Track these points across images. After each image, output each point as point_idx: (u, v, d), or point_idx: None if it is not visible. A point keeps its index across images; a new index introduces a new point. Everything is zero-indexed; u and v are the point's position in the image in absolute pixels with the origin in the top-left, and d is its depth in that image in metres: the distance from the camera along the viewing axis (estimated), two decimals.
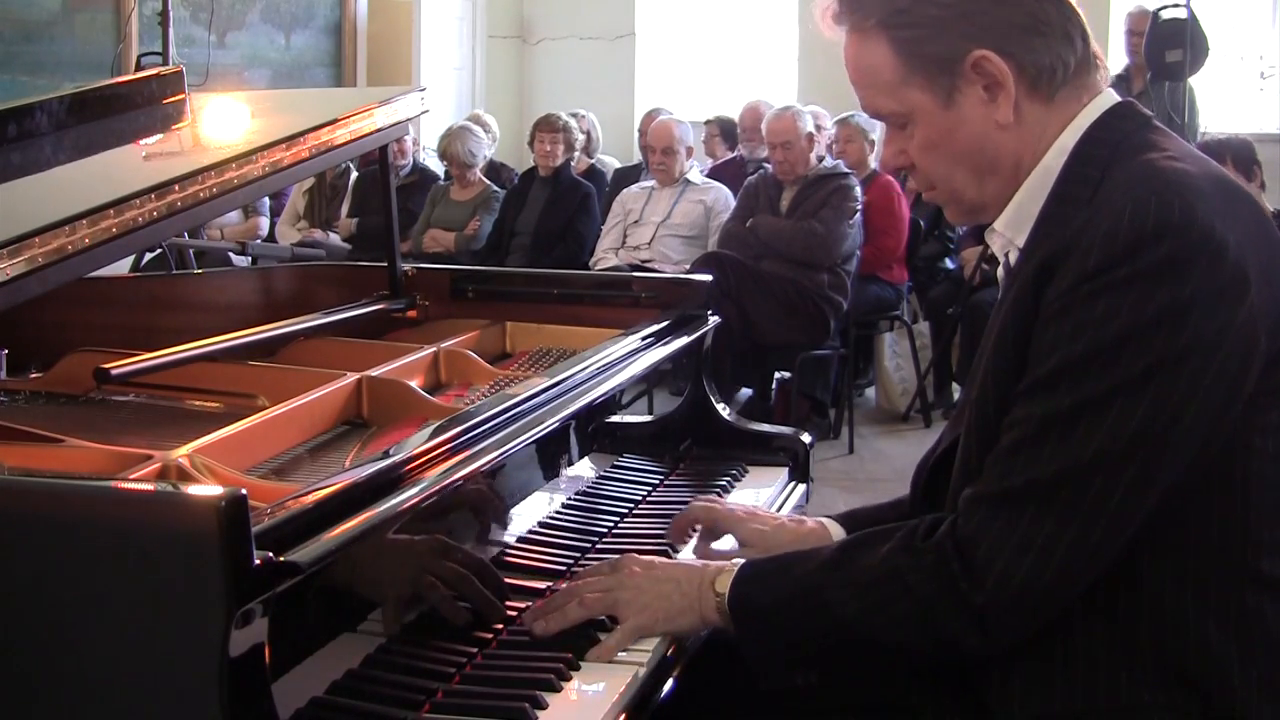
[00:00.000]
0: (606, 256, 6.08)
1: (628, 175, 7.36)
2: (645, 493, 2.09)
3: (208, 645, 1.10)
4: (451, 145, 6.83)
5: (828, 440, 5.45)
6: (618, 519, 1.96)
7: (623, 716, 1.39)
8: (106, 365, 1.90)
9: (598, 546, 1.84)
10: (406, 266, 2.61)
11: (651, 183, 6.25)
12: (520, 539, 1.75)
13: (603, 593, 1.53)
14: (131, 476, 1.55)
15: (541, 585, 1.65)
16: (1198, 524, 1.34)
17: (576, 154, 6.90)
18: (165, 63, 5.48)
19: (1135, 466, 1.28)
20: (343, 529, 1.29)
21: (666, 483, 2.18)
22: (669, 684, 1.49)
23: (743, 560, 1.54)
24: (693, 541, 1.83)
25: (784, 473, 2.32)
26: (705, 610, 1.50)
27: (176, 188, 1.75)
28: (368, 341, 2.40)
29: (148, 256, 5.37)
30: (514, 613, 1.56)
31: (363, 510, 1.34)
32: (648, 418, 2.44)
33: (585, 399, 1.91)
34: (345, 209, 7.05)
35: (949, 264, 6.37)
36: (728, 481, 2.21)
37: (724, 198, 6.03)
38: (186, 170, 1.80)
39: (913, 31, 1.41)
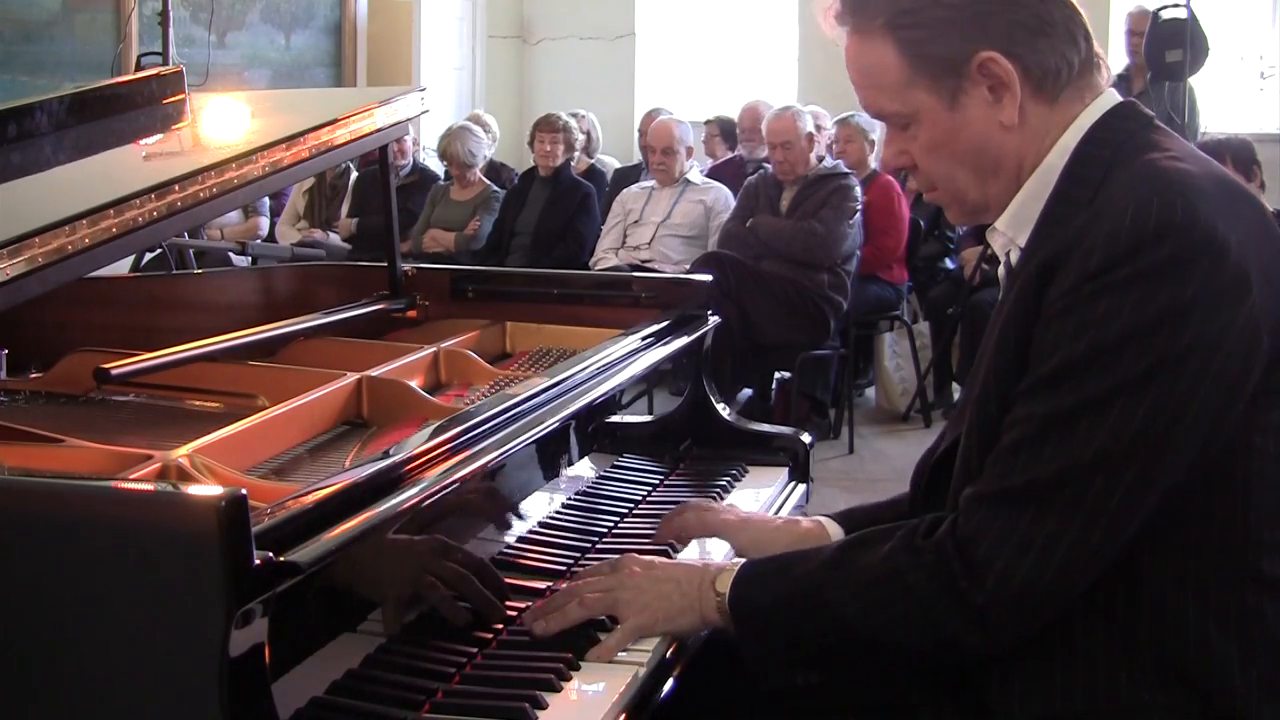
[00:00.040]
0: (606, 256, 6.08)
1: (628, 175, 7.36)
2: (645, 493, 2.09)
3: (208, 645, 1.10)
4: (451, 145, 6.83)
5: (828, 440, 5.45)
6: (618, 519, 1.96)
7: (623, 716, 1.39)
8: (106, 365, 1.90)
9: (598, 546, 1.84)
10: (406, 266, 2.62)
11: (651, 183, 6.25)
12: (520, 539, 1.75)
13: (603, 593, 1.53)
14: (131, 476, 1.55)
15: (541, 585, 1.65)
16: (1198, 524, 1.34)
17: (576, 154, 6.90)
18: (165, 63, 5.49)
19: (1136, 466, 1.28)
20: (343, 529, 1.29)
21: (666, 483, 2.18)
22: (669, 684, 1.49)
23: (743, 560, 1.54)
24: (693, 542, 1.83)
25: (784, 473, 2.32)
26: (706, 610, 1.50)
27: (176, 188, 1.75)
28: (368, 341, 2.40)
29: (148, 256, 5.37)
30: (514, 613, 1.56)
31: (363, 510, 1.34)
32: (648, 418, 2.44)
33: (585, 399, 1.91)
34: (345, 209, 7.05)
35: (949, 264, 6.37)
36: (728, 481, 2.21)
37: (724, 198, 6.03)
38: (186, 170, 1.80)
39: (919, 33, 1.41)
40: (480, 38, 9.95)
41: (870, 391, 6.39)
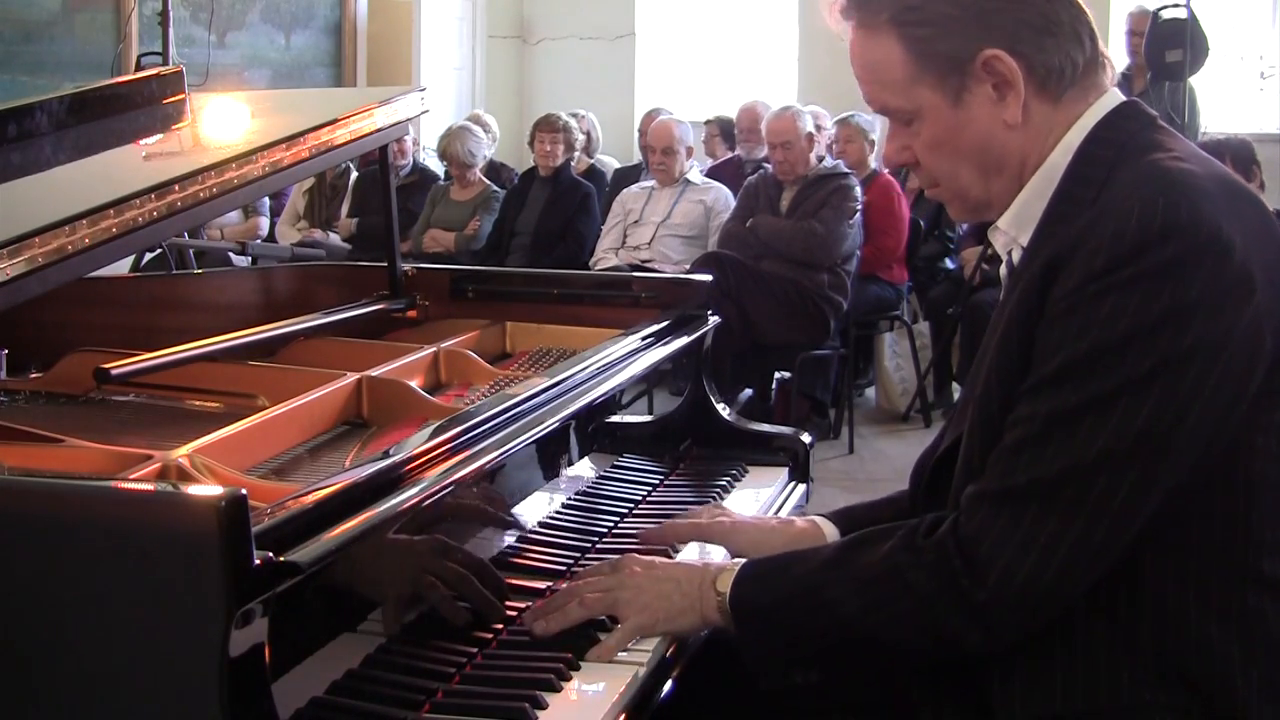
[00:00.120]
0: (606, 256, 6.08)
1: (628, 175, 7.36)
2: (645, 493, 2.09)
3: (208, 645, 1.10)
4: (451, 145, 6.83)
5: (828, 440, 5.45)
6: (618, 519, 1.96)
7: (622, 716, 1.39)
8: (106, 365, 1.89)
9: (598, 546, 1.84)
10: (406, 266, 2.61)
11: (651, 183, 6.25)
12: (520, 539, 1.75)
13: (603, 593, 1.53)
14: (131, 476, 1.55)
15: (541, 585, 1.65)
16: (1200, 524, 1.33)
17: (576, 154, 6.90)
18: (165, 63, 5.49)
19: (1139, 466, 1.28)
20: (343, 529, 1.29)
21: (666, 483, 2.17)
22: (669, 684, 1.49)
23: (744, 560, 1.54)
24: (693, 541, 1.83)
25: (784, 473, 2.32)
26: (706, 610, 1.50)
27: (176, 188, 1.75)
28: (368, 341, 2.40)
29: (148, 256, 5.37)
30: (514, 613, 1.56)
31: (363, 510, 1.34)
32: (648, 418, 2.44)
33: (585, 399, 1.91)
34: (345, 209, 7.05)
35: (949, 264, 6.37)
36: (728, 482, 2.20)
37: (724, 198, 6.03)
38: (186, 170, 1.80)
39: (924, 30, 1.40)
40: (480, 38, 9.95)
41: (870, 391, 6.39)
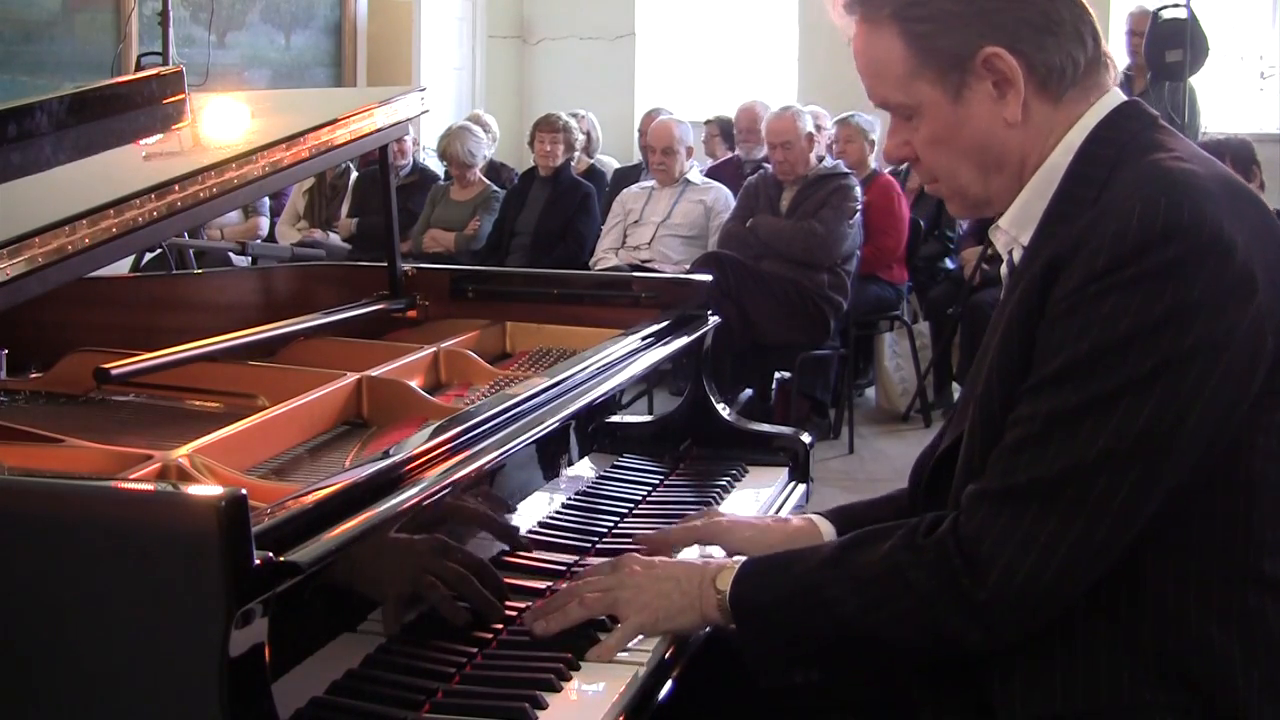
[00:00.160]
0: (606, 256, 6.08)
1: (628, 175, 7.36)
2: (645, 493, 2.09)
3: (208, 645, 1.10)
4: (451, 145, 6.83)
5: (828, 440, 5.45)
6: (618, 519, 1.96)
7: (622, 717, 1.39)
8: (106, 365, 1.89)
9: (598, 546, 1.84)
10: (406, 266, 2.61)
11: (651, 183, 6.25)
12: (520, 539, 1.75)
13: (603, 592, 1.53)
14: (131, 476, 1.55)
15: (541, 585, 1.65)
16: (1201, 524, 1.33)
17: (576, 154, 6.90)
18: (165, 63, 5.48)
19: (1140, 466, 1.28)
20: (343, 529, 1.29)
21: (666, 483, 2.17)
22: (669, 684, 1.49)
23: (744, 558, 1.54)
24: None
25: (784, 473, 2.32)
26: (706, 608, 1.50)
27: (176, 188, 1.75)
28: (368, 341, 2.40)
29: (148, 256, 5.37)
30: (514, 613, 1.56)
31: (363, 510, 1.34)
32: (648, 418, 2.44)
33: (585, 399, 1.91)
34: (345, 209, 7.05)
35: (949, 264, 6.37)
36: (728, 482, 2.20)
37: (724, 198, 6.03)
38: (186, 170, 1.80)
39: (926, 25, 1.41)
40: (480, 38, 9.95)
41: (870, 391, 6.39)
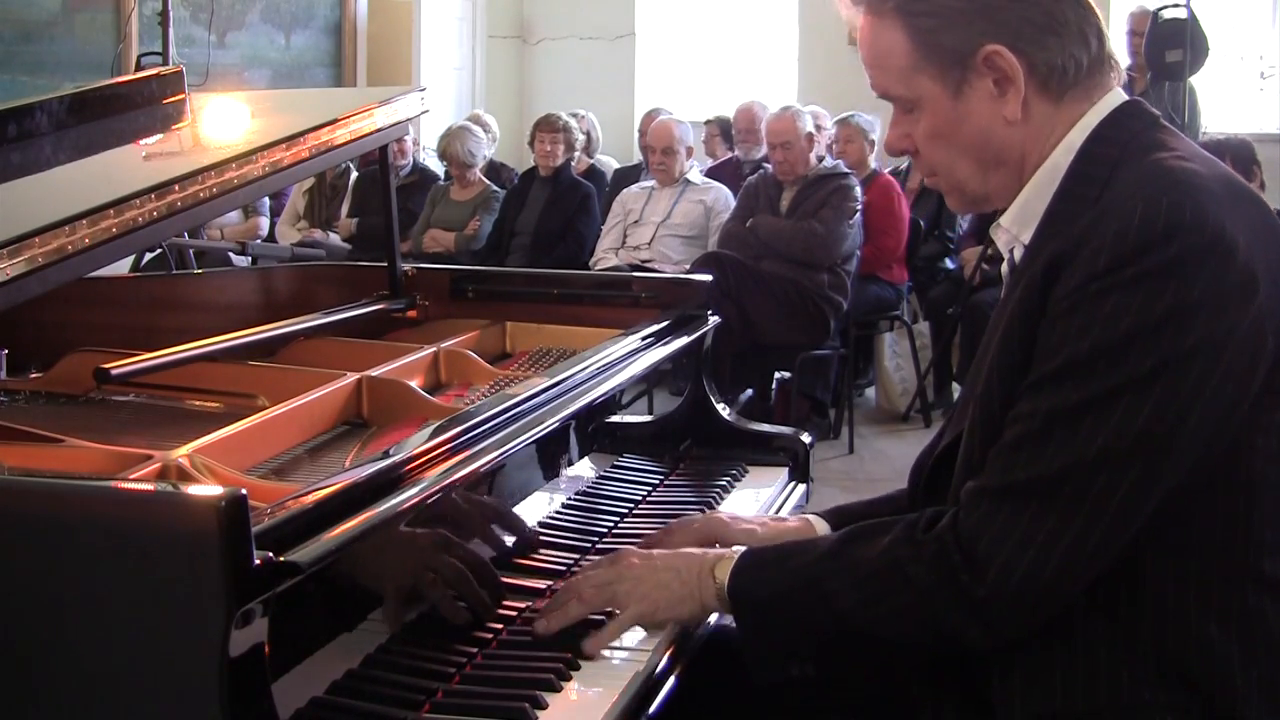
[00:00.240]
0: (606, 256, 6.08)
1: (628, 175, 7.36)
2: (645, 493, 2.09)
3: (208, 645, 1.10)
4: (451, 145, 6.83)
5: (828, 440, 5.45)
6: (618, 519, 1.96)
7: (622, 717, 1.39)
8: (106, 365, 1.89)
9: (598, 546, 1.84)
10: (406, 266, 2.61)
11: (651, 183, 6.26)
12: (520, 539, 1.75)
13: (602, 586, 1.53)
14: (131, 476, 1.55)
15: (541, 585, 1.65)
16: (1200, 524, 1.33)
17: (576, 154, 6.89)
18: (165, 63, 5.48)
19: (1139, 465, 1.28)
20: (343, 529, 1.29)
21: (666, 483, 2.17)
22: (669, 684, 1.49)
23: (742, 548, 1.54)
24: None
25: (784, 473, 2.32)
26: (705, 597, 1.50)
27: (176, 188, 1.75)
28: (368, 341, 2.40)
29: (148, 256, 5.37)
30: (514, 613, 1.56)
31: (363, 510, 1.34)
32: (648, 418, 2.44)
33: (585, 399, 1.91)
34: (345, 209, 7.05)
35: (949, 264, 6.37)
36: (728, 482, 2.20)
37: (724, 198, 6.03)
38: (186, 170, 1.80)
39: (929, 21, 1.41)
40: (480, 38, 9.95)
41: (870, 391, 6.39)
